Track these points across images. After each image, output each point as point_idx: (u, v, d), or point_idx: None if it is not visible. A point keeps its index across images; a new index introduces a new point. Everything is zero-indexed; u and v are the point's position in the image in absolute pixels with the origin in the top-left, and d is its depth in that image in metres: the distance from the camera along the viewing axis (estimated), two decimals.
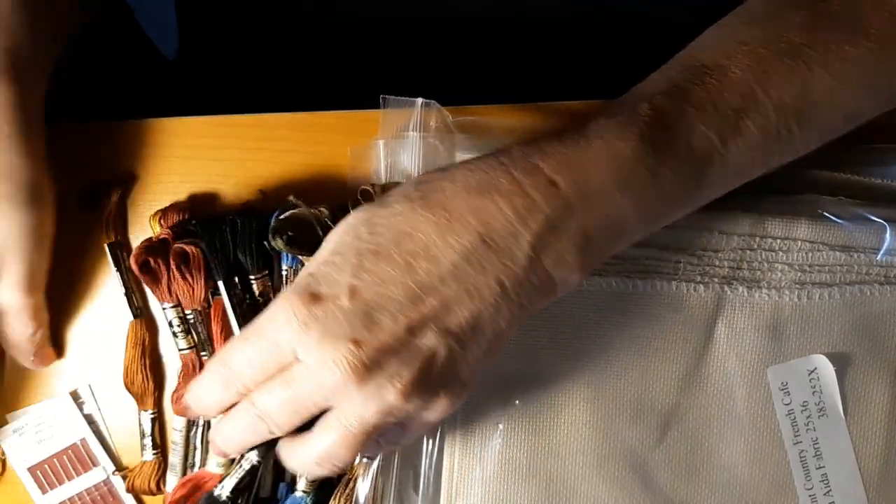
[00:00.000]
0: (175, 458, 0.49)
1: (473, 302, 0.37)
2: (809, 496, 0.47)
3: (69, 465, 0.50)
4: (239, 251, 0.48)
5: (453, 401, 0.39)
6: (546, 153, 0.39)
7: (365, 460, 0.46)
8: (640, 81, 0.42)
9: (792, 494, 0.47)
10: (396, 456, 0.47)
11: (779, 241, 0.47)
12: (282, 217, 0.48)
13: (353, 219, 0.40)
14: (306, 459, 0.40)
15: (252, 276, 0.48)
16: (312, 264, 0.39)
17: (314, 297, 0.37)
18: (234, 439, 0.41)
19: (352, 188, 0.49)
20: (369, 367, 0.37)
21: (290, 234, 0.47)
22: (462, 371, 0.38)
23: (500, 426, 0.46)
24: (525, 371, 0.47)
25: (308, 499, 0.47)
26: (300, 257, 0.48)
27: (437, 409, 0.39)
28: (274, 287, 0.49)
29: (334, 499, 0.47)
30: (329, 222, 0.48)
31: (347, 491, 0.47)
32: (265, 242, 0.48)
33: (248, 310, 0.48)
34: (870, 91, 0.42)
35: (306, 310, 0.37)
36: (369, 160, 0.49)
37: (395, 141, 0.49)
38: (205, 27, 0.70)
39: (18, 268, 0.45)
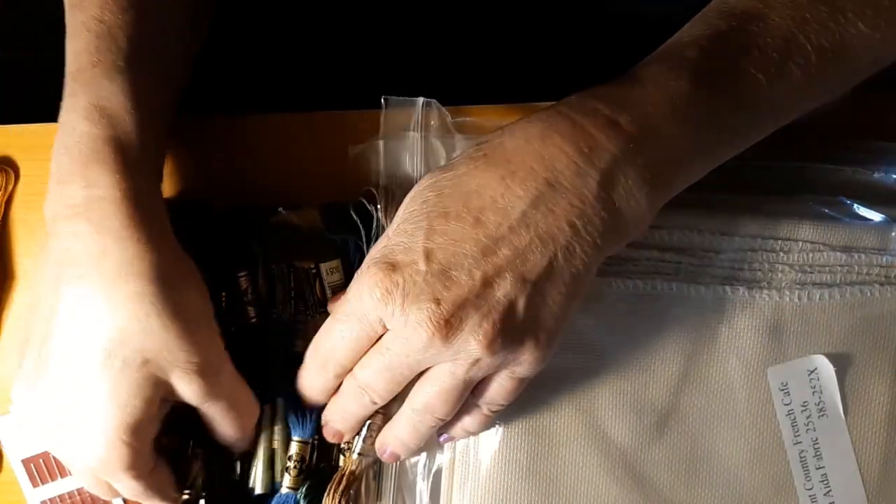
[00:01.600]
0: None
1: (546, 246, 0.38)
2: (809, 496, 0.47)
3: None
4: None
5: (540, 350, 0.40)
6: (603, 96, 0.40)
7: (357, 456, 0.46)
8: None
9: (792, 494, 0.47)
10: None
11: (779, 241, 0.47)
12: (272, 222, 0.48)
13: (420, 186, 0.41)
14: (405, 422, 0.43)
15: (239, 274, 0.48)
16: (386, 236, 0.41)
17: (392, 266, 0.39)
18: (341, 416, 0.44)
19: (352, 188, 0.49)
20: (451, 323, 0.38)
21: (280, 241, 0.48)
22: (544, 317, 0.39)
23: (500, 426, 0.46)
24: None
25: (300, 495, 0.47)
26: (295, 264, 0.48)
27: (527, 361, 0.40)
28: (258, 285, 0.49)
29: (328, 495, 0.47)
30: (320, 224, 0.48)
31: (342, 487, 0.47)
32: (254, 244, 0.48)
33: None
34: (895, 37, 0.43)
35: (387, 279, 0.39)
36: (369, 160, 0.49)
37: (396, 141, 0.49)
38: None
39: (180, 356, 0.40)
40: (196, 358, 0.40)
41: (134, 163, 0.41)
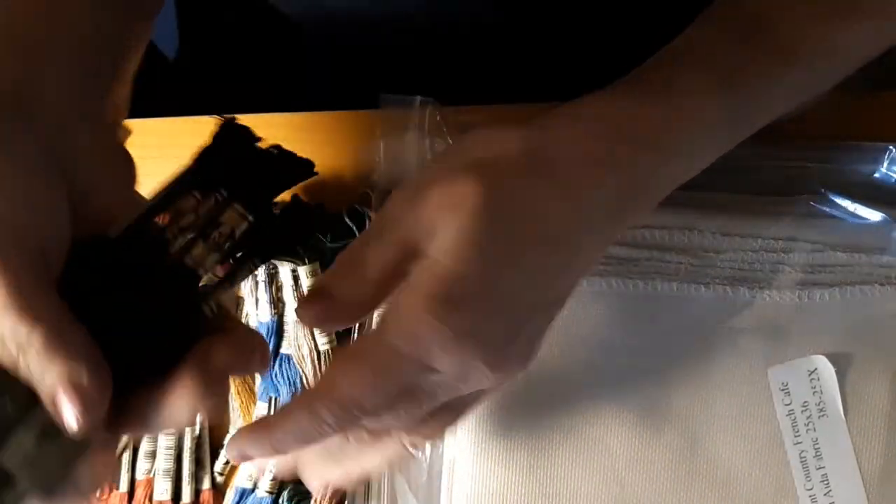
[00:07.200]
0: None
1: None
2: (809, 496, 0.47)
3: None
4: None
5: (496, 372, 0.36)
6: (627, 116, 0.38)
7: None
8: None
9: (792, 495, 0.47)
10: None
11: (780, 241, 0.47)
12: None
13: (477, 199, 0.39)
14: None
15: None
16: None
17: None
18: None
19: (351, 188, 0.49)
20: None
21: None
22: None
23: (500, 427, 0.46)
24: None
25: (282, 500, 0.47)
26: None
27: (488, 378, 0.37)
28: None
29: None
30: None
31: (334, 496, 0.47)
32: None
33: None
34: (875, 38, 0.43)
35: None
36: (369, 160, 0.49)
37: (395, 141, 0.49)
38: (205, 27, 0.70)
39: None
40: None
41: (35, 104, 0.34)
